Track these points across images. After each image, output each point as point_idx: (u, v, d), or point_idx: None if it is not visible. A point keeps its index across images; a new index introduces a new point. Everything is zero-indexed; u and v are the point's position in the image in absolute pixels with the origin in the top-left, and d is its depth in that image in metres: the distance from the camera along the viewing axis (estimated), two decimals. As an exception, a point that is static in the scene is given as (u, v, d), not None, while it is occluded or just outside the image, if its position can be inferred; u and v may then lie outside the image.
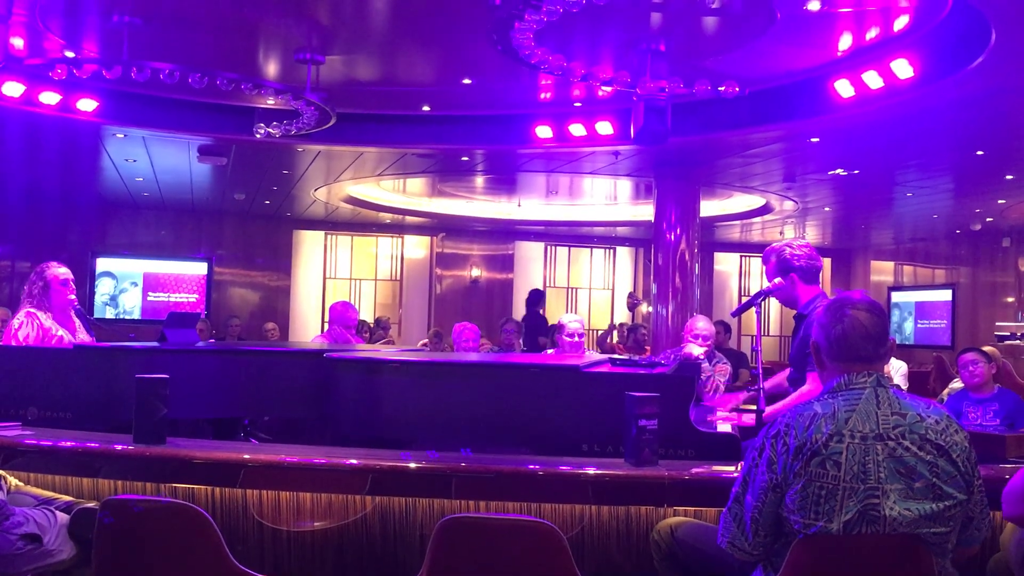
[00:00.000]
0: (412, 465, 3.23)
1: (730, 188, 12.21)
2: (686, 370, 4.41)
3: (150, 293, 15.41)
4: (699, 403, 4.69)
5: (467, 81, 8.31)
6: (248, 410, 4.59)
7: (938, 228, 15.58)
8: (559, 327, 6.16)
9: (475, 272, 17.26)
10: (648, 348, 11.43)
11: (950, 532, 2.36)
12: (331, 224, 16.45)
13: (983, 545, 2.56)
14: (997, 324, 12.50)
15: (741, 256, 18.85)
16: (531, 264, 17.82)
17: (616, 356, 4.60)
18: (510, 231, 17.19)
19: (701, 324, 6.01)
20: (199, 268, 15.71)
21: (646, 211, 13.09)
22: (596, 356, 5.16)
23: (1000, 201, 12.42)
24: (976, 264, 16.25)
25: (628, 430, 3.24)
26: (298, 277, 16.66)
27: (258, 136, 8.37)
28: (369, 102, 9.08)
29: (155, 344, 4.71)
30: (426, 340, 10.86)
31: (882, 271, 18.46)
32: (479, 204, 15.14)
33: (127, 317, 15.23)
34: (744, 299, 16.29)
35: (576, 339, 6.04)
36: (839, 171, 10.67)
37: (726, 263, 18.93)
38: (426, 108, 9.29)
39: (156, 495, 3.36)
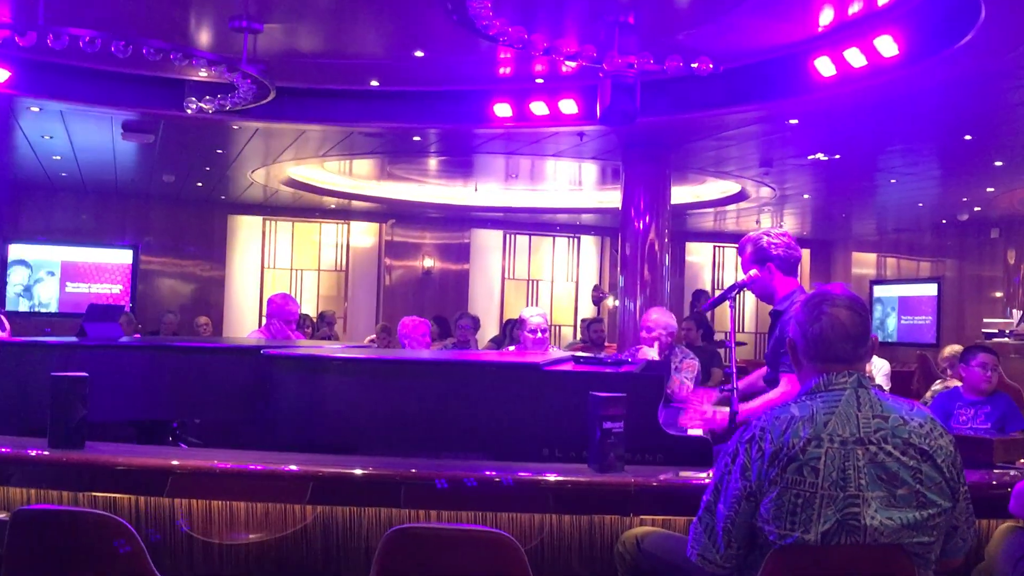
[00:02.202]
0: (358, 471, 3.22)
1: (703, 173, 12.30)
2: (655, 369, 4.43)
3: (68, 283, 15.16)
4: (668, 404, 4.72)
5: (419, 54, 8.27)
6: (177, 412, 4.54)
7: (923, 218, 15.83)
8: (520, 322, 6.16)
9: (427, 262, 17.22)
10: (609, 345, 11.48)
11: (934, 542, 2.39)
12: (270, 209, 16.31)
13: (967, 555, 2.60)
14: (985, 320, 12.72)
15: (715, 247, 19.02)
16: (488, 254, 17.82)
17: (579, 354, 4.61)
18: (466, 218, 17.17)
19: (654, 316, 6.03)
20: (123, 256, 15.49)
21: (613, 197, 13.15)
22: (558, 353, 5.16)
23: (989, 189, 12.64)
24: (963, 256, 16.54)
25: (592, 433, 3.25)
26: (233, 267, 16.50)
27: (189, 111, 8.26)
28: (312, 75, 9.01)
29: (73, 339, 4.64)
30: (374, 336, 10.82)
31: (864, 263, 18.72)
32: (432, 188, 15.10)
33: (43, 310, 14.98)
34: (717, 293, 16.43)
35: (539, 335, 6.04)
36: (819, 156, 10.79)
37: (698, 254, 19.07)
38: (374, 83, 9.23)
39: (74, 505, 3.31)
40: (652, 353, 5.77)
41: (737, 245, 4.27)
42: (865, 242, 18.59)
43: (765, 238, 4.13)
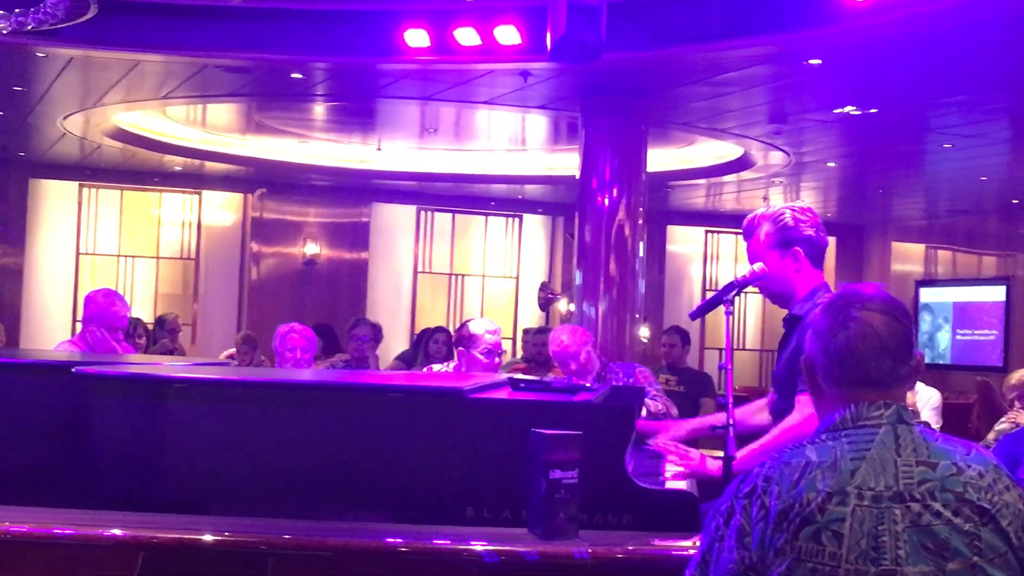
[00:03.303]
0: (208, 537, 3.18)
1: (693, 131, 12.39)
2: (623, 397, 4.45)
3: None
4: (641, 447, 4.74)
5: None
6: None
7: (988, 196, 16.11)
8: (469, 338, 6.17)
9: (311, 248, 17.14)
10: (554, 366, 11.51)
11: (995, 633, 2.44)
12: (89, 172, 16.10)
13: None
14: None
15: (707, 232, 19.20)
16: (396, 237, 17.78)
17: (520, 376, 4.61)
18: (365, 188, 17.12)
19: (565, 337, 6.21)
20: None
21: (568, 162, 13.17)
22: (490, 376, 5.15)
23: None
24: (1041, 250, 16.88)
25: (535, 486, 3.26)
26: (36, 252, 16.25)
27: (-25, 32, 8.11)
28: (151, -15, 8.92)
29: None
30: (233, 350, 10.76)
31: (908, 257, 19.02)
32: (319, 147, 15.06)
33: None
34: (709, 294, 16.58)
35: (497, 359, 6.14)
36: (849, 109, 10.93)
37: (685, 241, 19.24)
38: (239, -3, 9.17)
39: None
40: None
41: (744, 225, 4.29)
42: (909, 229, 18.88)
43: (789, 213, 4.17)
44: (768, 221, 4.19)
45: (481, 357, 6.09)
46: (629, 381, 6.18)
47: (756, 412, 4.52)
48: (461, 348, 6.27)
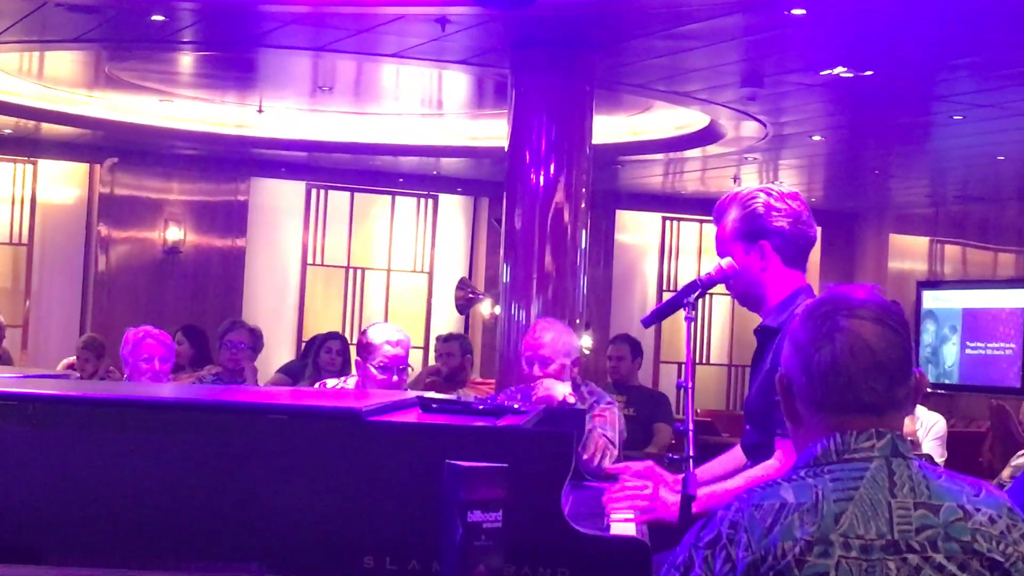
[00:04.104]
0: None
1: (649, 94, 12.43)
2: (559, 421, 4.46)
3: None
4: (580, 483, 4.74)
5: None
6: None
7: (1005, 180, 16.31)
8: (365, 348, 6.14)
9: (174, 233, 17.01)
10: (482, 381, 11.49)
11: None
12: None
13: None
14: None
15: (665, 219, 19.28)
16: (281, 220, 17.69)
17: (432, 395, 4.61)
18: (243, 159, 17.04)
19: (548, 337, 6.13)
20: None
21: (494, 131, 13.18)
22: (395, 394, 5.13)
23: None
24: (1068, 245, 17.13)
25: (449, 530, 3.25)
26: None
27: None
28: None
29: None
30: (73, 358, 10.67)
31: (908, 252, 19.23)
32: (185, 107, 14.97)
33: None
34: (667, 295, 16.64)
35: (395, 376, 6.09)
36: (839, 71, 11.01)
37: (638, 230, 19.31)
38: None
39: None
40: (563, 389, 5.81)
41: (715, 208, 4.30)
42: (910, 218, 19.08)
43: (763, 197, 4.17)
44: (736, 205, 4.21)
45: (376, 372, 6.05)
46: (601, 408, 6.16)
47: (729, 462, 4.50)
48: (359, 359, 6.25)
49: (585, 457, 5.62)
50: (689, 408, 3.96)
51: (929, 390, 11.28)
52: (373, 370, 6.09)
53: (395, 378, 6.09)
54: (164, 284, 16.80)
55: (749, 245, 4.15)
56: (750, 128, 13.45)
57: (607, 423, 6.09)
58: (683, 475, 3.91)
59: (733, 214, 4.19)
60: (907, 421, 5.50)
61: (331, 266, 18.01)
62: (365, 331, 6.31)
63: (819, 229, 16.57)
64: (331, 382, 6.89)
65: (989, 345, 17.51)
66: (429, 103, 14.40)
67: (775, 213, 4.15)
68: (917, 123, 13.27)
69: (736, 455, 4.51)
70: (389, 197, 18.25)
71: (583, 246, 10.50)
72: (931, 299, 18.28)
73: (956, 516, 2.47)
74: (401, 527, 3.56)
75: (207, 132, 15.68)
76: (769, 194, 4.18)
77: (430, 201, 18.40)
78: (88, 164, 16.94)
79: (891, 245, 19.11)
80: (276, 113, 14.82)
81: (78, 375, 9.67)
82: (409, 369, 6.29)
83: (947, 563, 2.43)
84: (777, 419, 3.91)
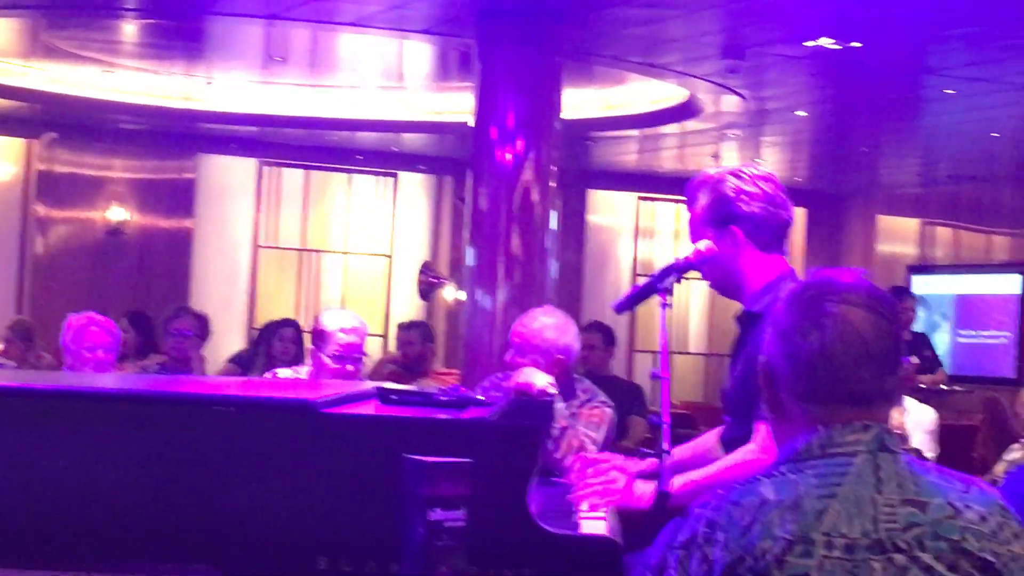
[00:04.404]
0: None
1: (622, 66, 12.43)
2: (524, 414, 4.45)
3: None
4: (550, 480, 4.74)
5: None
6: None
7: (1000, 158, 16.37)
8: (319, 336, 6.14)
9: (117, 213, 16.96)
10: (446, 371, 11.48)
11: None
12: None
13: None
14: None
15: (640, 199, 19.29)
16: (231, 199, 17.65)
17: (391, 385, 4.60)
18: (190, 135, 17.00)
19: (549, 321, 6.10)
20: None
21: (459, 105, 13.16)
22: (352, 385, 5.12)
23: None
24: (1064, 227, 17.20)
25: (409, 530, 3.24)
26: None
27: None
28: None
29: None
30: (1, 345, 10.66)
31: (897, 235, 19.30)
32: (129, 79, 14.92)
33: None
34: (641, 280, 16.68)
35: (350, 365, 6.11)
36: (824, 42, 11.03)
37: (611, 211, 19.32)
38: None
39: None
40: (543, 379, 5.80)
41: (686, 189, 4.30)
42: (900, 199, 19.13)
43: (733, 181, 4.18)
44: (706, 188, 4.22)
45: (330, 362, 6.06)
46: (588, 407, 6.13)
47: (708, 450, 4.52)
48: (313, 348, 6.25)
49: (557, 456, 5.62)
50: (664, 400, 3.97)
51: (919, 379, 11.31)
52: (327, 359, 6.10)
53: (350, 367, 6.10)
54: (106, 268, 16.75)
55: (719, 231, 4.15)
56: (730, 103, 13.47)
57: (593, 423, 6.07)
58: (659, 471, 3.92)
59: (703, 198, 4.20)
60: (895, 414, 5.51)
61: (284, 248, 17.97)
62: (319, 318, 6.31)
63: (804, 211, 16.65)
64: (283, 372, 6.89)
65: (982, 333, 17.59)
66: (389, 75, 14.38)
67: (745, 197, 4.15)
68: (907, 98, 13.31)
69: (708, 440, 4.52)
70: (346, 175, 18.21)
71: (553, 228, 10.51)
72: (921, 284, 18.31)
73: (945, 514, 2.48)
74: (358, 526, 3.56)
75: (152, 105, 15.62)
76: (740, 177, 4.18)
77: (390, 180, 18.36)
78: (24, 139, 16.86)
79: (879, 227, 19.18)
80: (226, 85, 14.79)
81: (14, 364, 9.64)
82: (366, 358, 6.29)
83: (935, 563, 2.43)
84: (758, 402, 3.92)
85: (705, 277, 4.29)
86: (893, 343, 2.55)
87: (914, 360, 11.06)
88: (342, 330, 6.13)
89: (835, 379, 2.53)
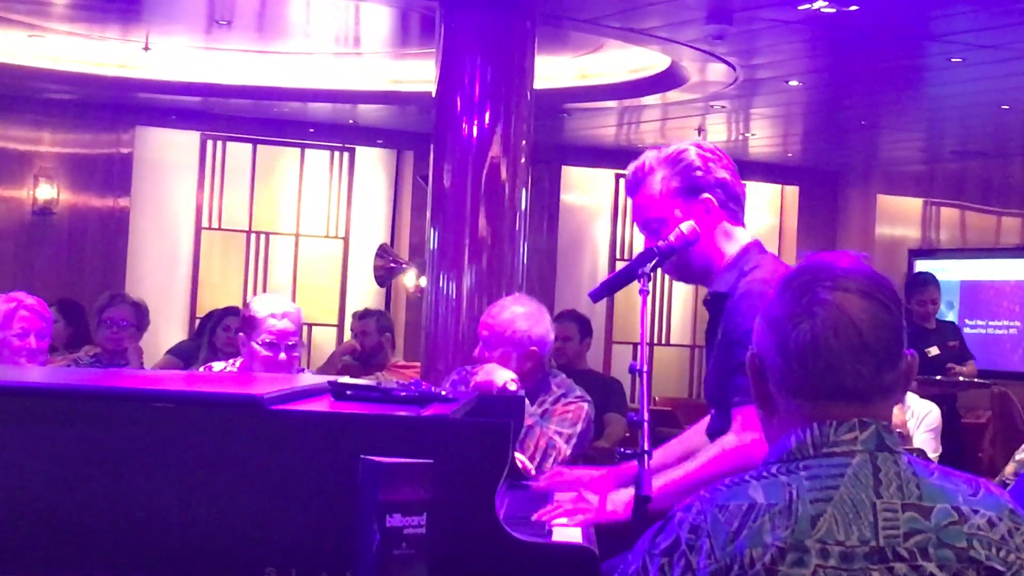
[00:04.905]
0: None
1: (599, 32, 12.43)
2: (492, 411, 4.46)
3: None
4: (519, 483, 4.75)
5: None
6: None
7: (1011, 133, 16.40)
8: (248, 322, 6.15)
9: (45, 191, 16.91)
10: (406, 364, 11.48)
11: None
12: None
13: None
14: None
15: (619, 176, 19.26)
16: (171, 176, 17.61)
17: (346, 379, 4.60)
18: (126, 105, 16.97)
19: (521, 310, 6.11)
20: None
21: (420, 73, 13.15)
22: (303, 379, 5.11)
23: None
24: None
25: (365, 537, 3.24)
26: None
27: None
28: None
29: None
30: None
31: (899, 216, 19.33)
32: (58, 43, 14.86)
33: None
34: (620, 265, 16.68)
35: (283, 354, 6.11)
36: (819, 5, 11.04)
37: (587, 189, 19.33)
38: None
39: None
40: (503, 376, 5.80)
41: (626, 181, 4.38)
42: (902, 177, 19.17)
43: (693, 149, 4.27)
44: (664, 165, 4.28)
45: (260, 350, 6.06)
46: (564, 403, 6.15)
47: (693, 445, 4.53)
48: (242, 336, 6.25)
49: (523, 456, 5.63)
50: (644, 396, 3.98)
51: (921, 372, 11.32)
52: (258, 348, 6.10)
53: (283, 356, 6.10)
54: (34, 251, 16.71)
55: (689, 202, 4.20)
56: (717, 71, 13.47)
57: (568, 419, 6.08)
58: (638, 474, 3.93)
59: (660, 174, 4.27)
60: (896, 411, 5.52)
61: (230, 230, 17.90)
62: (248, 304, 6.31)
63: (796, 189, 16.63)
64: (217, 365, 6.89)
65: (991, 323, 17.62)
66: (344, 41, 14.36)
67: (712, 164, 4.24)
68: (909, 66, 13.32)
69: (695, 437, 4.55)
70: (298, 150, 18.15)
71: (523, 208, 10.50)
72: (925, 269, 18.37)
73: (950, 519, 2.49)
74: (309, 533, 3.56)
75: (84, 73, 15.52)
76: (698, 145, 4.28)
77: (345, 155, 18.32)
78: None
79: (879, 207, 19.20)
80: (165, 51, 14.72)
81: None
82: (301, 346, 6.29)
83: (939, 572, 2.44)
84: (733, 387, 3.94)
85: (666, 269, 4.33)
86: (893, 333, 2.56)
87: (931, 352, 11.06)
88: (272, 316, 6.13)
89: (828, 372, 2.53)
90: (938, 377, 11.19)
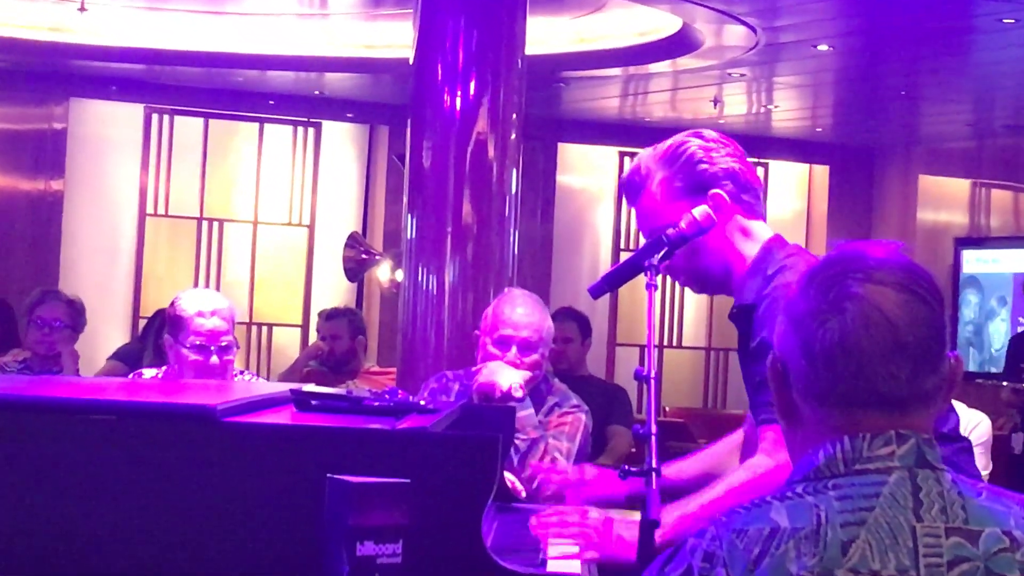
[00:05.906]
0: None
1: (600, -11, 12.47)
2: (478, 423, 4.47)
3: None
4: (509, 506, 4.76)
5: None
6: None
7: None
8: (174, 322, 6.15)
9: (-32, 173, 16.94)
10: (382, 370, 11.49)
11: None
12: None
13: None
14: None
15: (623, 154, 19.30)
16: (112, 155, 17.63)
17: (311, 387, 4.61)
18: (60, 74, 16.99)
19: (520, 311, 6.12)
20: None
21: (396, 37, 13.17)
22: (266, 387, 5.12)
23: None
24: None
25: (334, 566, 3.25)
26: None
27: None
28: None
29: None
30: None
31: (943, 200, 19.36)
32: (-19, 2, 14.82)
33: None
34: (624, 256, 16.70)
35: (216, 357, 6.12)
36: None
37: (587, 169, 19.35)
38: None
39: None
40: (513, 378, 5.81)
41: (623, 188, 4.40)
42: (947, 155, 19.19)
43: (695, 141, 4.27)
44: (662, 165, 4.29)
45: (189, 353, 6.07)
46: (562, 414, 6.16)
47: (721, 461, 4.54)
48: (168, 338, 6.25)
49: (524, 476, 5.64)
50: (651, 405, 3.96)
51: (968, 380, 11.35)
52: (186, 351, 6.09)
53: (215, 359, 6.10)
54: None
55: (697, 202, 4.17)
56: (735, 34, 13.47)
57: (564, 431, 6.08)
58: (645, 494, 3.93)
59: (660, 176, 4.27)
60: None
61: (178, 217, 17.90)
62: (173, 303, 6.30)
63: (826, 169, 16.73)
64: (148, 372, 6.89)
65: (1050, 323, 17.67)
66: (310, 1, 14.36)
67: (716, 154, 4.23)
68: (955, 28, 13.33)
69: (722, 451, 4.55)
70: (256, 125, 18.15)
71: (514, 191, 10.49)
72: (973, 261, 18.40)
73: (1001, 545, 2.49)
74: (269, 562, 3.57)
75: (12, 38, 15.51)
76: (699, 136, 4.27)
77: (311, 130, 18.32)
78: None
79: (921, 190, 19.19)
80: (104, 12, 14.72)
81: None
82: (236, 347, 6.29)
83: (988, 605, 2.45)
84: (759, 402, 3.94)
85: (675, 277, 4.34)
86: (934, 332, 2.54)
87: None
88: (199, 314, 6.13)
89: (859, 376, 2.52)
90: None
